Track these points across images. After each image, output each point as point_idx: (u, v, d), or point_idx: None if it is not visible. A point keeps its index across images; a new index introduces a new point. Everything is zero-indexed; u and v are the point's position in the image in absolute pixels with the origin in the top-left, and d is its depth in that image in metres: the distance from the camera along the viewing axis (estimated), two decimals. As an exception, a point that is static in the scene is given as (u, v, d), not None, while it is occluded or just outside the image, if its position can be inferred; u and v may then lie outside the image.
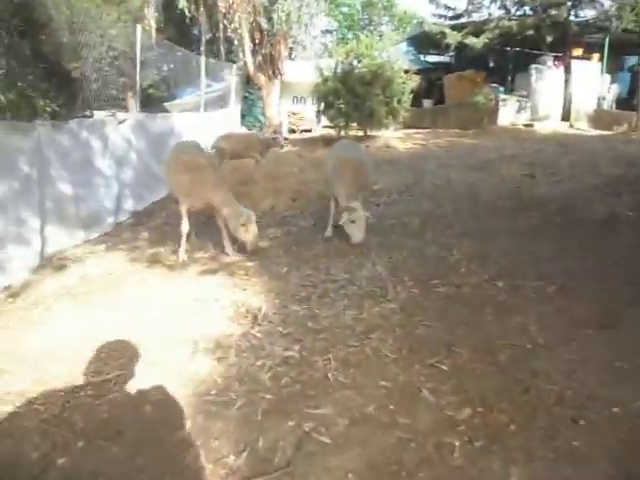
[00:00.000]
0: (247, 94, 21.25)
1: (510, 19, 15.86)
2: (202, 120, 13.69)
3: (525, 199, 6.76)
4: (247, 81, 20.72)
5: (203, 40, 20.92)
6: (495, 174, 8.83)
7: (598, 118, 17.87)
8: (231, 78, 19.12)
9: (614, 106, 19.49)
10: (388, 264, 4.91)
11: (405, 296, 4.07)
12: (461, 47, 17.92)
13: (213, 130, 14.53)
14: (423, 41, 21.01)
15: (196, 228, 6.51)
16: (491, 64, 20.55)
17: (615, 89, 19.80)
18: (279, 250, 5.57)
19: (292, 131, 21.20)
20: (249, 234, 5.18)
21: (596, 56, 18.60)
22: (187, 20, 18.34)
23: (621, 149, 11.12)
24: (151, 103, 20.82)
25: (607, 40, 17.85)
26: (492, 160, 10.55)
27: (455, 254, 4.96)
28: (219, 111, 16.56)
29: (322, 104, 16.13)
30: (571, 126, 16.78)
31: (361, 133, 16.20)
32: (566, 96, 16.81)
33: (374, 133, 16.38)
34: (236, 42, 19.47)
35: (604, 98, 18.90)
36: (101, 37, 10.78)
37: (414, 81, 15.53)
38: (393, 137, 16.15)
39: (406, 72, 15.68)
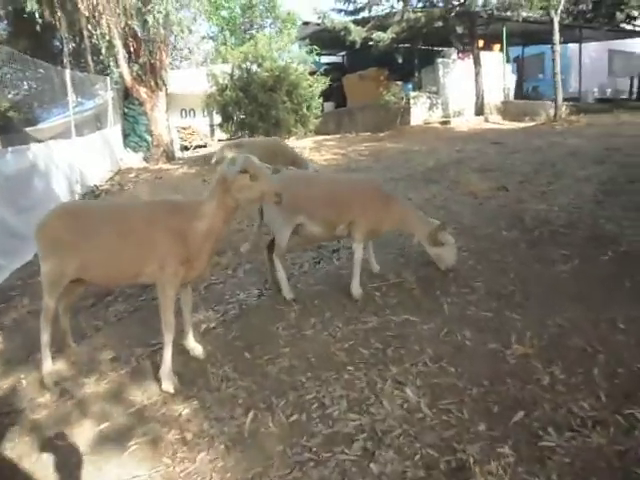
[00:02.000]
0: (127, 110, 18.35)
1: (414, 11, 14.70)
2: (75, 147, 10.91)
3: (531, 225, 5.19)
4: (126, 96, 17.91)
5: (66, 51, 17.78)
6: (458, 188, 7.29)
7: (506, 110, 17.41)
8: (106, 94, 16.25)
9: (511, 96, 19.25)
10: (417, 380, 3.00)
11: None
12: (361, 45, 16.51)
13: (90, 157, 11.81)
14: (318, 41, 19.45)
15: (76, 328, 4.22)
16: (392, 61, 19.42)
17: (514, 79, 19.59)
18: (224, 363, 3.47)
19: (185, 148, 18.73)
20: (448, 250, 4.08)
21: (497, 47, 18.15)
22: (41, 28, 15.09)
23: (563, 143, 10.18)
24: (12, 129, 17.32)
25: (505, 30, 17.39)
26: (437, 168, 9.09)
27: (514, 345, 3.16)
28: (96, 133, 13.74)
29: (219, 116, 13.94)
30: (486, 120, 16.05)
31: (269, 145, 14.22)
32: (478, 89, 16.06)
33: (282, 144, 14.47)
34: (104, 51, 16.70)
35: (508, 89, 18.53)
36: None
37: (322, 83, 13.84)
38: (305, 147, 14.33)
39: (312, 74, 13.96)
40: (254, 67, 13.11)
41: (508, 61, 19.18)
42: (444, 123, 15.77)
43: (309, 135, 14.72)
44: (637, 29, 20.07)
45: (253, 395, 3.06)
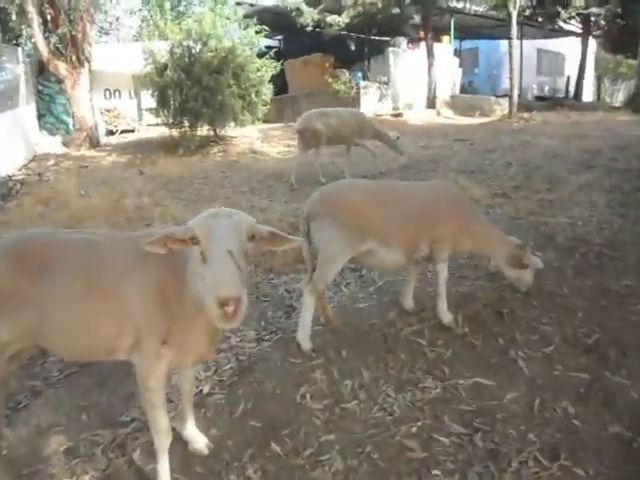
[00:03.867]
0: (41, 87, 16.11)
1: (368, -5, 13.85)
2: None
3: (566, 245, 4.48)
4: (40, 71, 15.70)
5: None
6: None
7: (455, 104, 17.09)
8: (16, 67, 14.03)
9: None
10: None
11: None
12: (299, 29, 15.42)
13: None
14: (260, 22, 18.15)
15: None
16: (334, 47, 18.36)
17: (460, 73, 19.35)
18: (246, 463, 2.44)
19: (110, 132, 16.75)
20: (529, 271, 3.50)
21: (446, 38, 17.74)
22: None
23: (535, 143, 9.77)
24: None
25: (453, 22, 17.00)
26: (412, 167, 8.33)
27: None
28: (6, 113, 11.73)
29: (154, 99, 12.33)
30: (438, 114, 15.57)
31: (211, 133, 12.85)
32: (430, 81, 15.50)
33: (225, 133, 13.15)
34: (15, 18, 14.56)
35: (455, 83, 18.24)
36: None
37: (272, 68, 12.65)
38: (253, 138, 13.15)
39: (260, 56, 12.72)
40: (198, 46, 11.67)
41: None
42: (396, 116, 15.11)
43: (256, 123, 13.49)
44: (573, 29, 20.44)
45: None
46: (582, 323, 3.32)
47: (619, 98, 26.84)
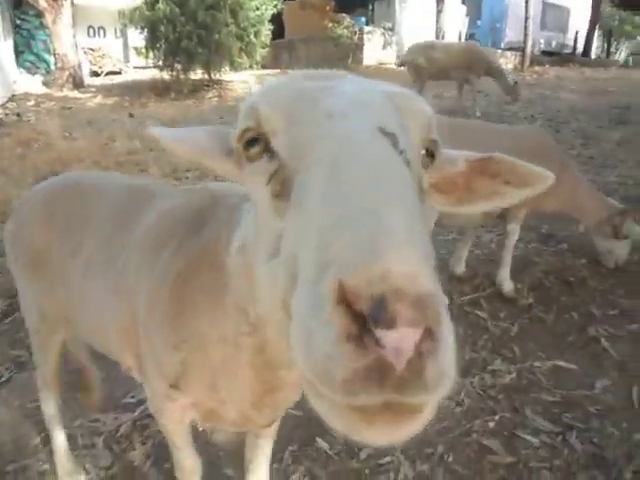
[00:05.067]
0: (19, 21, 14.90)
1: None
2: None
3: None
4: (18, 3, 14.47)
5: None
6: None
7: (460, 55, 16.21)
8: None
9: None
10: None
11: None
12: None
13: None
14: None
15: None
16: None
17: (466, 22, 18.41)
18: None
19: (95, 74, 15.65)
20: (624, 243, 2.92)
21: (453, -16, 16.67)
22: None
23: (556, 97, 9.17)
24: None
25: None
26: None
27: None
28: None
29: (145, 36, 11.35)
30: (445, 65, 14.75)
31: (205, 77, 11.97)
32: (438, 29, 14.60)
33: (220, 77, 12.27)
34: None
35: (461, 33, 17.33)
36: None
37: (273, 7, 11.71)
38: (250, 83, 12.28)
39: (256, -6, 11.73)
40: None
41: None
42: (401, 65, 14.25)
43: (254, 68, 12.62)
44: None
45: None
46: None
47: (621, 56, 26.03)
